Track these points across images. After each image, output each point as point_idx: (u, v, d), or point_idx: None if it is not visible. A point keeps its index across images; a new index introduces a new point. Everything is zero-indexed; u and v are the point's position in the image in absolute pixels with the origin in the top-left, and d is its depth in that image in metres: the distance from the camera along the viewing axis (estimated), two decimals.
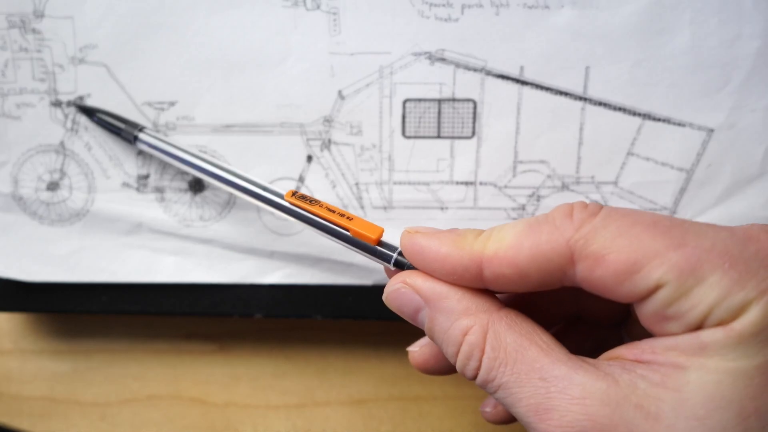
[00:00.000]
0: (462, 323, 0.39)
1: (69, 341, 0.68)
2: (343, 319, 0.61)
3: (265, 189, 0.49)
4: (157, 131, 0.56)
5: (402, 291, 0.41)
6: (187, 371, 0.67)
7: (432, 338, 0.41)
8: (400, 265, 0.43)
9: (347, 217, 0.45)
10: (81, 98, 0.56)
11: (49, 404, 0.68)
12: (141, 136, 0.55)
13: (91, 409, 0.68)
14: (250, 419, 0.67)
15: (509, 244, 0.37)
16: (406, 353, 0.50)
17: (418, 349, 0.50)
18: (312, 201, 0.46)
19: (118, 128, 0.56)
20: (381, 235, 0.44)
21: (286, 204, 0.48)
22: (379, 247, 0.44)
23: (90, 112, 0.56)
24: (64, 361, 0.68)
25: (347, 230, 0.45)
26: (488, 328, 0.38)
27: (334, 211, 0.45)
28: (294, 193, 0.47)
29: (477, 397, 0.66)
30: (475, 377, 0.39)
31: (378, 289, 0.58)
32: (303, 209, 0.47)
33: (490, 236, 0.38)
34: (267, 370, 0.67)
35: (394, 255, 0.43)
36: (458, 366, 0.39)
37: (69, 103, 0.57)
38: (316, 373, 0.67)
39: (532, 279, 0.37)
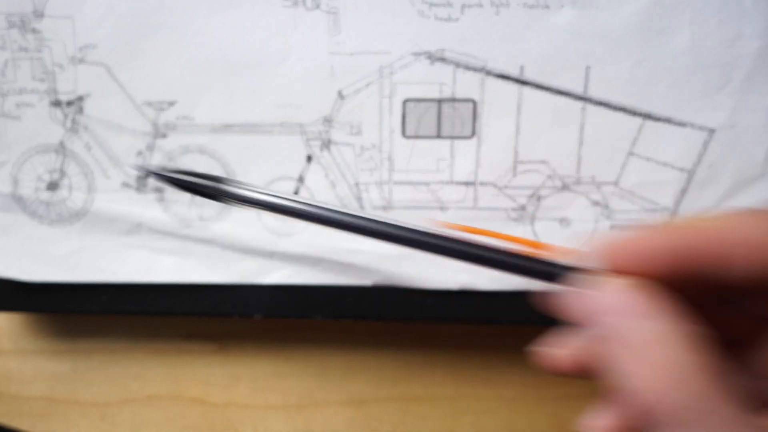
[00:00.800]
0: (662, 352, 0.32)
1: (69, 341, 0.68)
2: (343, 319, 0.61)
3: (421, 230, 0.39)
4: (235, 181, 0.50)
5: (594, 296, 0.34)
6: (187, 371, 0.67)
7: (605, 353, 0.34)
8: (584, 272, 0.37)
9: (516, 242, 0.38)
10: (80, 98, 0.56)
11: (48, 404, 0.68)
12: (228, 188, 0.49)
13: (91, 409, 0.68)
14: (250, 419, 0.67)
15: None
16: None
17: (563, 351, 0.41)
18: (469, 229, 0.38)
19: (200, 186, 0.49)
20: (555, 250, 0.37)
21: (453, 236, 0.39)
22: (569, 263, 0.37)
23: (165, 177, 0.48)
24: (64, 361, 0.68)
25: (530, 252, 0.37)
26: (689, 370, 0.31)
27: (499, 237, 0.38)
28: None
29: (477, 398, 0.66)
30: (652, 413, 0.31)
31: (378, 290, 0.58)
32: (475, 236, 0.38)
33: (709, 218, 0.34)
34: (267, 371, 0.67)
35: (585, 264, 0.37)
36: (644, 399, 0.33)
37: (69, 103, 0.57)
38: (316, 374, 0.67)
39: None
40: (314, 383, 0.67)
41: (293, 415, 0.67)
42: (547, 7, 0.53)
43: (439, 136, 0.56)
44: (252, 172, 0.57)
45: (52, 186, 0.58)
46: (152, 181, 0.58)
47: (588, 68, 0.54)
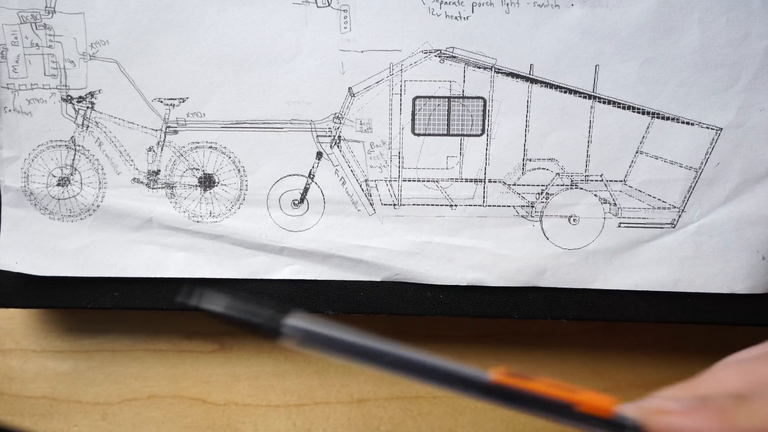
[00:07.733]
0: None
1: (70, 340, 0.67)
2: (355, 314, 0.61)
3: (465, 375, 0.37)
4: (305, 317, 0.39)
5: None
6: (187, 371, 0.67)
7: None
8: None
9: (570, 391, 0.37)
10: (92, 94, 0.56)
11: (50, 403, 0.68)
12: (290, 322, 0.38)
13: (92, 409, 0.68)
14: (250, 418, 0.67)
15: None
16: None
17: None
18: (527, 378, 0.37)
19: (255, 323, 0.40)
20: (613, 407, 0.37)
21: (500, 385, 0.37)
22: (613, 420, 0.37)
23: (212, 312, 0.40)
24: (66, 360, 0.67)
25: (572, 405, 0.37)
26: None
27: (554, 387, 0.37)
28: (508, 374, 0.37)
29: None
30: None
31: (387, 285, 0.58)
32: (518, 388, 0.37)
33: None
34: (267, 370, 0.67)
35: None
36: None
37: (80, 99, 0.57)
38: (316, 373, 0.67)
39: None
40: (314, 382, 0.67)
41: (293, 413, 0.67)
42: (557, 5, 0.54)
43: (448, 133, 0.56)
44: (262, 169, 0.57)
45: (63, 181, 0.58)
46: (163, 177, 0.58)
47: (597, 67, 0.55)
